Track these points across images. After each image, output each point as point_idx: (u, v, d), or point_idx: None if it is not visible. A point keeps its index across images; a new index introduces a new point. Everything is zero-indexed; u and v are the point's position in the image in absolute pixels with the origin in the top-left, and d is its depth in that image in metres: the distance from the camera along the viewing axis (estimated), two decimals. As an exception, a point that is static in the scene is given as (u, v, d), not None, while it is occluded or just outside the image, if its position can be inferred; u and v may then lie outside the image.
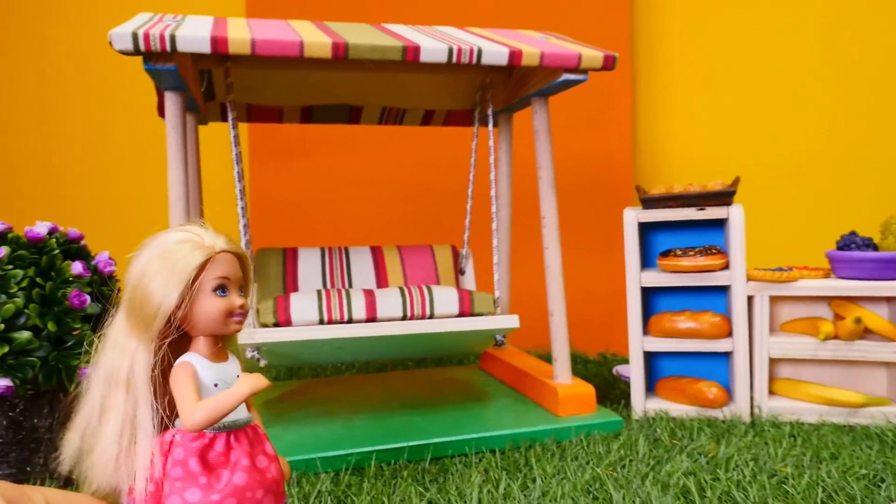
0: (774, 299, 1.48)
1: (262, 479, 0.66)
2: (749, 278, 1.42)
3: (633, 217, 1.46)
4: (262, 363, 1.32)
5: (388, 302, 1.36)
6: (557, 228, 1.44)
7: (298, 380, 1.79)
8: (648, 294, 1.56)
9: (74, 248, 1.22)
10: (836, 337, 1.38)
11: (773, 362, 1.48)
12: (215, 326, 0.67)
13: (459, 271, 1.68)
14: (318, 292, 1.36)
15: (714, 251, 1.43)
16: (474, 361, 2.03)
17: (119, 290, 1.27)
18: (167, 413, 0.67)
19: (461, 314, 1.40)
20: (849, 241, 1.41)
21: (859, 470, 1.09)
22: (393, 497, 1.03)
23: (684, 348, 1.44)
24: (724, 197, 1.41)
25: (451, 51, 1.24)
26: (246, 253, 0.73)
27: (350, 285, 1.56)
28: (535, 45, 1.34)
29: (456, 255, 1.68)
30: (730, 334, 1.43)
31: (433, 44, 1.24)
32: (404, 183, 2.27)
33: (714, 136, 2.18)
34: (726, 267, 1.43)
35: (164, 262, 0.64)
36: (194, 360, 0.66)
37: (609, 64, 1.33)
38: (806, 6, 2.07)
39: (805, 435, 1.28)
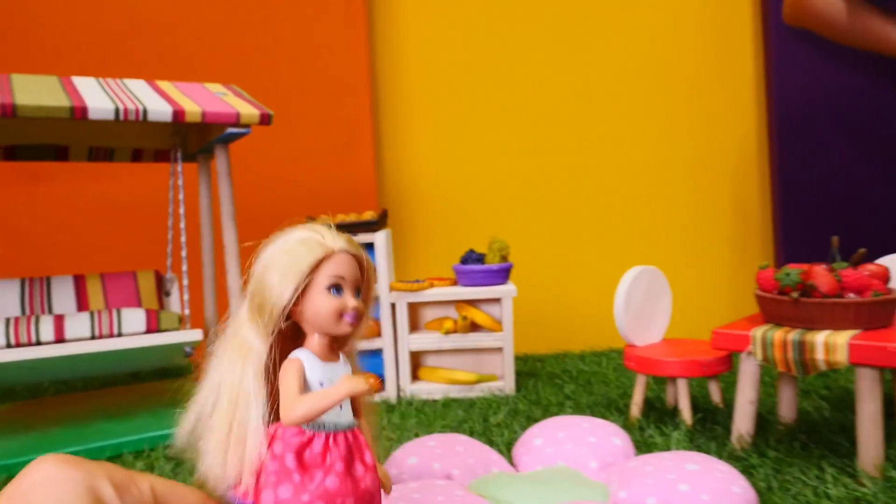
0: (415, 305, 1.87)
1: (356, 487, 0.65)
2: (391, 289, 1.80)
3: (301, 243, 1.77)
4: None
5: (77, 324, 1.55)
6: (237, 255, 1.72)
7: (14, 401, 1.90)
8: (326, 305, 1.89)
9: None
10: (455, 331, 1.79)
11: (422, 354, 1.87)
12: (326, 325, 0.67)
13: (165, 293, 1.90)
14: (7, 319, 1.52)
15: (367, 268, 1.78)
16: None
17: None
18: (273, 407, 0.67)
19: (149, 331, 1.62)
20: (467, 257, 1.83)
21: (441, 428, 1.48)
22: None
23: (346, 348, 1.78)
24: (371, 225, 1.78)
25: (117, 110, 1.47)
26: (367, 256, 0.73)
27: (51, 313, 1.72)
28: (203, 103, 1.61)
29: (160, 279, 1.89)
30: (381, 334, 1.79)
31: (101, 104, 1.46)
32: (157, 208, 2.41)
33: (445, 161, 2.54)
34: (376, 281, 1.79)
35: (282, 258, 0.66)
36: (304, 357, 0.67)
37: (265, 120, 1.63)
38: (522, 50, 2.51)
39: (424, 407, 1.66)
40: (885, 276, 1.27)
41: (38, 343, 1.51)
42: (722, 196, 2.48)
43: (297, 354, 0.67)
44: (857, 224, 2.21)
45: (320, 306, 0.66)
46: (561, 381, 1.87)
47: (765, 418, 1.45)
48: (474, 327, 1.82)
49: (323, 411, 0.63)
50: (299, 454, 0.64)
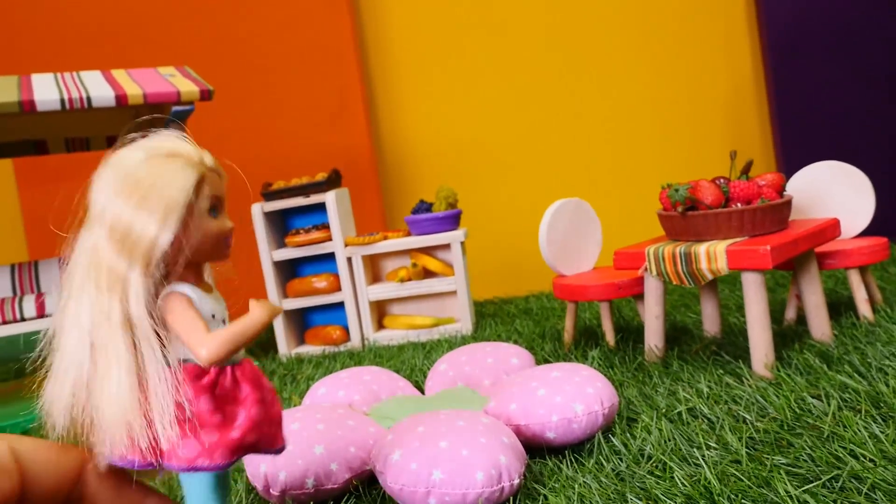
0: (375, 257, 1.97)
1: (270, 413, 0.62)
2: (346, 244, 1.89)
3: (258, 210, 1.88)
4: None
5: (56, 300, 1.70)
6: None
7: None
8: (293, 264, 2.00)
9: None
10: (409, 279, 1.89)
11: (388, 304, 1.98)
12: (212, 252, 0.60)
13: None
14: (-6, 300, 1.68)
15: (322, 227, 1.88)
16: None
17: None
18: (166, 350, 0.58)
19: (124, 302, 1.76)
20: (417, 208, 1.91)
21: (388, 367, 1.59)
22: None
23: (310, 304, 1.90)
24: (321, 186, 1.87)
25: (62, 100, 1.59)
26: (223, 170, 0.64)
27: (39, 292, 1.88)
28: (147, 85, 1.72)
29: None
30: (341, 288, 1.90)
31: (48, 96, 1.58)
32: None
33: (440, 119, 2.61)
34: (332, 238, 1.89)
35: (155, 185, 0.56)
36: (188, 290, 0.60)
37: (206, 96, 1.73)
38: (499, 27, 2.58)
39: (381, 352, 1.76)
40: (778, 184, 1.30)
41: (23, 319, 1.67)
42: (718, 128, 2.51)
43: (179, 289, 0.59)
44: (858, 143, 2.26)
45: (206, 233, 0.59)
46: (518, 318, 1.95)
47: (690, 333, 1.51)
48: (428, 273, 1.91)
49: (247, 343, 0.58)
50: (212, 395, 0.58)
